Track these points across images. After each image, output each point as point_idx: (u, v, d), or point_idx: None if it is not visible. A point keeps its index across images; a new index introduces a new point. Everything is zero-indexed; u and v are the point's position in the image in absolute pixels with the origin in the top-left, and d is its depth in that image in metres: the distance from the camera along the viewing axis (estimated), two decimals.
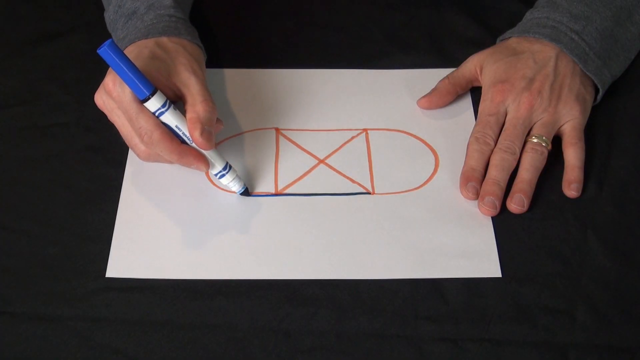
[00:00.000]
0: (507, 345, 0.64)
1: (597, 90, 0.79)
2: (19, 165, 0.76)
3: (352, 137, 0.79)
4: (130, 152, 0.76)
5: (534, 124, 0.76)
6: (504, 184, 0.73)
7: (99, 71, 0.83)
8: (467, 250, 0.70)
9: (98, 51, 0.64)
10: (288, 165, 0.76)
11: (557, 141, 0.77)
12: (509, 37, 0.82)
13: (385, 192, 0.74)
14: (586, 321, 0.65)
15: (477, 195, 0.73)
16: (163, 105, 0.67)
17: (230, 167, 0.72)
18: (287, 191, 0.74)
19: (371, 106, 0.81)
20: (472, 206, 0.73)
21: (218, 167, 0.71)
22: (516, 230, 0.71)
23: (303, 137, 0.79)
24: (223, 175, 0.72)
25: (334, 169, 0.76)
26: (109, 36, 0.87)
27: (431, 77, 0.82)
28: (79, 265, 0.68)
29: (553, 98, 0.76)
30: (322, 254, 0.69)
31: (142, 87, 0.66)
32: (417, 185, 0.75)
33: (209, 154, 0.70)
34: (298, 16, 0.91)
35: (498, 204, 0.72)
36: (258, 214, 0.72)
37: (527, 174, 0.73)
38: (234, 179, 0.72)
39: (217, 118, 0.71)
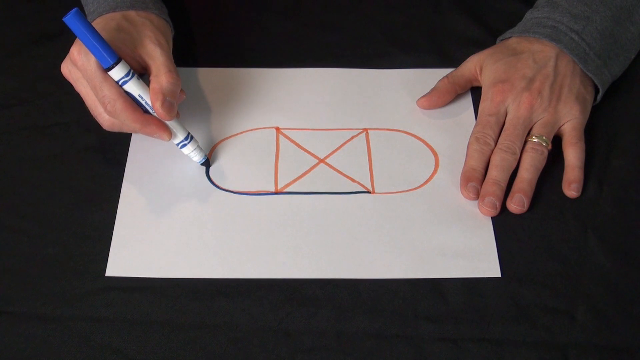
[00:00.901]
0: (507, 345, 0.64)
1: (597, 90, 0.79)
2: (19, 165, 0.76)
3: (352, 137, 0.79)
4: (130, 152, 0.77)
5: (534, 123, 0.76)
6: (504, 184, 0.73)
7: None
8: (466, 250, 0.70)
9: (64, 19, 0.65)
10: (288, 164, 0.76)
11: (557, 141, 0.77)
12: (509, 37, 0.82)
13: (385, 192, 0.74)
14: (586, 321, 0.65)
15: (477, 195, 0.73)
16: (127, 75, 0.69)
17: (192, 137, 0.74)
18: (287, 190, 0.74)
19: (371, 106, 0.81)
20: (472, 206, 0.73)
21: (180, 136, 0.73)
22: (516, 230, 0.71)
23: (303, 136, 0.79)
24: (185, 145, 0.74)
25: (334, 168, 0.76)
26: None
27: (431, 77, 0.82)
28: (79, 265, 0.68)
29: (553, 98, 0.76)
30: (321, 253, 0.70)
31: (106, 56, 0.67)
32: (417, 185, 0.75)
33: (171, 124, 0.72)
34: (299, 16, 0.91)
35: (498, 204, 0.72)
36: (258, 213, 0.72)
37: (527, 174, 0.73)
38: (195, 148, 0.74)
39: (180, 89, 0.72)
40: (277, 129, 0.79)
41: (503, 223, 0.72)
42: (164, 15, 0.78)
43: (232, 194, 0.74)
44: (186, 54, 0.85)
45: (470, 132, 0.77)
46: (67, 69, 0.71)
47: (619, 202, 0.73)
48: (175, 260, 0.69)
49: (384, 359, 0.63)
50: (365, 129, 0.79)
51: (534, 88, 0.76)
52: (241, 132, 0.79)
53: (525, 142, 0.75)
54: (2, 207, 0.72)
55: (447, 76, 0.81)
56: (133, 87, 0.70)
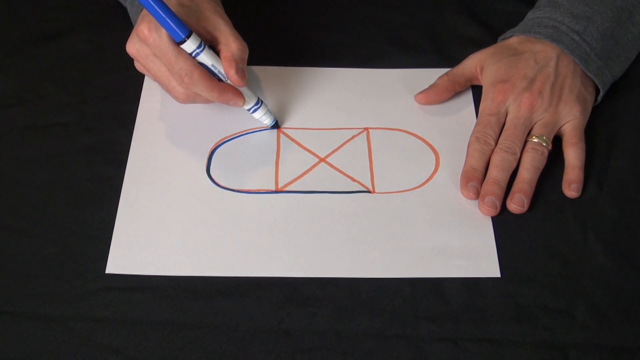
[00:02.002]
0: (507, 345, 0.64)
1: (597, 91, 0.79)
2: (19, 165, 0.76)
3: (353, 136, 0.79)
4: (130, 151, 0.77)
5: (535, 124, 0.76)
6: (504, 184, 0.73)
7: (99, 71, 0.84)
8: (466, 250, 0.70)
9: None
10: (289, 163, 0.76)
11: (557, 141, 0.77)
12: (510, 36, 0.82)
13: (386, 191, 0.74)
14: (586, 321, 0.65)
15: (477, 195, 0.73)
16: (199, 46, 0.70)
17: (262, 102, 0.77)
18: (287, 189, 0.74)
19: (372, 105, 0.81)
20: (472, 206, 0.73)
21: (251, 102, 0.76)
22: (516, 230, 0.71)
23: (304, 135, 0.79)
24: (256, 110, 0.77)
25: (335, 168, 0.76)
26: (108, 35, 0.88)
27: (431, 76, 0.82)
28: (79, 265, 0.68)
29: (554, 98, 0.76)
30: (321, 252, 0.70)
31: (177, 30, 0.69)
32: (418, 185, 0.75)
33: (243, 90, 0.74)
34: (299, 16, 0.91)
35: (498, 204, 0.72)
36: (258, 212, 0.72)
37: (528, 174, 0.73)
38: (265, 112, 0.77)
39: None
40: (278, 129, 0.79)
41: (503, 223, 0.72)
42: None
43: (232, 192, 0.74)
44: None
45: (471, 131, 0.77)
46: (135, 47, 0.72)
47: (619, 202, 0.73)
48: (175, 258, 0.69)
49: (384, 359, 0.63)
50: (366, 129, 0.80)
51: (535, 88, 0.76)
52: (242, 132, 0.79)
53: (526, 142, 0.75)
54: (2, 207, 0.72)
55: (446, 74, 0.82)
56: (206, 58, 0.71)
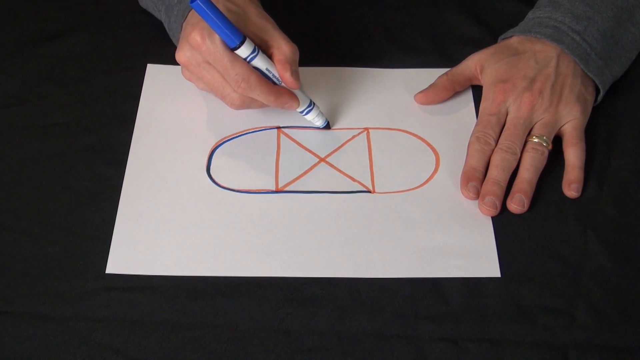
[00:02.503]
0: (507, 345, 0.64)
1: (597, 91, 0.79)
2: (19, 165, 0.76)
3: (353, 136, 0.79)
4: (131, 151, 0.77)
5: (535, 124, 0.76)
6: (504, 184, 0.73)
7: (99, 71, 0.84)
8: (466, 250, 0.70)
9: (191, 4, 0.67)
10: (289, 163, 0.76)
11: (557, 141, 0.77)
12: (511, 36, 0.82)
13: (386, 191, 0.74)
14: (586, 321, 0.65)
15: (477, 195, 0.73)
16: (253, 51, 0.70)
17: (314, 103, 0.77)
18: (287, 189, 0.74)
19: (372, 105, 0.81)
20: (472, 206, 0.73)
21: (304, 104, 0.76)
22: (516, 230, 0.71)
23: (304, 135, 0.79)
24: (309, 111, 0.77)
25: (335, 168, 0.76)
26: (108, 35, 0.88)
27: (431, 76, 0.82)
28: (79, 265, 0.68)
29: (554, 98, 0.76)
30: (321, 252, 0.70)
31: (232, 36, 0.69)
32: (418, 185, 0.75)
33: (296, 92, 0.74)
34: (299, 16, 0.90)
35: (498, 204, 0.72)
36: (258, 212, 0.72)
37: (528, 174, 0.73)
38: (317, 114, 0.77)
39: None
40: (279, 128, 0.79)
41: (503, 223, 0.72)
42: None
43: (232, 192, 0.74)
44: None
45: (471, 131, 0.77)
46: (186, 55, 0.72)
47: (619, 202, 0.73)
48: (175, 258, 0.69)
49: (384, 359, 0.63)
50: (366, 129, 0.80)
51: (535, 88, 0.76)
52: (242, 131, 0.79)
53: (526, 142, 0.75)
54: (2, 207, 0.72)
55: (446, 73, 0.82)
56: (260, 62, 0.71)
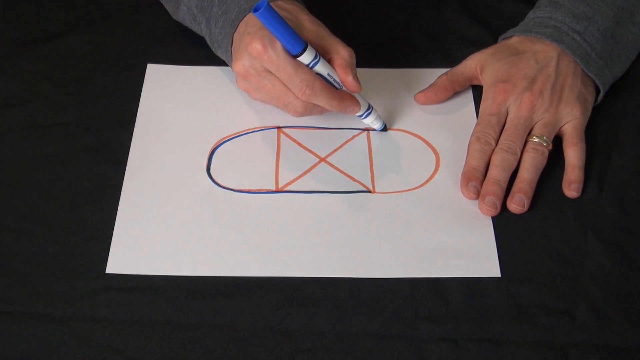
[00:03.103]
0: (507, 345, 0.64)
1: (598, 91, 0.79)
2: (19, 165, 0.76)
3: (353, 136, 0.79)
4: (131, 151, 0.76)
5: (535, 123, 0.76)
6: (504, 184, 0.73)
7: (99, 71, 0.84)
8: (466, 249, 0.70)
9: (255, 13, 0.66)
10: (289, 163, 0.76)
11: (557, 141, 0.77)
12: (511, 36, 0.82)
13: (386, 191, 0.74)
14: (586, 321, 0.65)
15: (478, 195, 0.73)
16: (315, 57, 0.70)
17: (372, 107, 0.77)
18: (287, 189, 0.74)
19: (372, 105, 0.81)
20: (472, 206, 0.73)
21: (364, 108, 0.76)
22: (516, 230, 0.71)
23: (304, 135, 0.79)
24: (368, 115, 0.77)
25: (335, 167, 0.76)
26: (108, 35, 0.88)
27: (431, 76, 0.82)
28: (79, 265, 0.68)
29: (554, 98, 0.76)
30: (321, 252, 0.70)
31: (295, 43, 0.68)
32: (418, 185, 0.75)
33: (355, 96, 0.74)
34: None
35: (499, 204, 0.72)
36: (258, 211, 0.72)
37: (528, 174, 0.73)
38: (376, 117, 0.77)
39: None
40: (279, 128, 0.79)
41: (503, 223, 0.72)
42: (300, 1, 0.79)
43: (232, 192, 0.74)
44: (188, 53, 0.85)
45: (471, 131, 0.77)
46: (244, 66, 0.71)
47: (619, 202, 0.73)
48: (175, 257, 0.69)
49: (384, 359, 0.63)
50: (367, 128, 0.79)
51: (536, 88, 0.76)
52: (243, 131, 0.79)
53: (526, 142, 0.75)
54: (2, 207, 0.72)
55: (446, 73, 0.82)
56: (322, 68, 0.71)
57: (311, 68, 0.70)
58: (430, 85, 0.81)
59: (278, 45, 0.68)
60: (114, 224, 0.71)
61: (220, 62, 0.83)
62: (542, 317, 0.65)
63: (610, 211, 0.73)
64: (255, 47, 0.69)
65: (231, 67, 0.75)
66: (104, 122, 0.79)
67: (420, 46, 0.87)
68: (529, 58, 0.78)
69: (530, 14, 0.83)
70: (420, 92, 0.81)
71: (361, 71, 0.84)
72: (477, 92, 0.82)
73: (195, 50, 0.85)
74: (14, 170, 0.75)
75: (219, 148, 0.77)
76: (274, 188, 0.74)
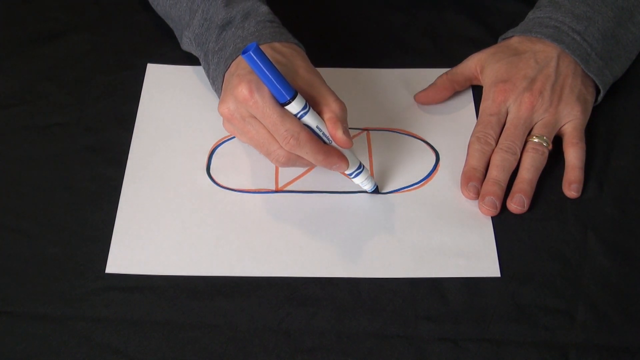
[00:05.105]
0: (507, 345, 0.64)
1: (598, 91, 0.79)
2: (19, 165, 0.76)
3: (353, 136, 0.79)
4: (130, 151, 0.76)
5: (535, 124, 0.76)
6: (504, 184, 0.73)
7: (99, 71, 0.84)
8: (466, 249, 0.70)
9: (242, 55, 0.62)
10: None
11: (557, 141, 0.77)
12: (511, 36, 0.82)
13: (386, 191, 0.74)
14: (586, 321, 0.65)
15: (478, 195, 0.73)
16: (304, 107, 0.66)
17: (363, 166, 0.72)
18: (287, 189, 0.74)
19: (372, 105, 0.81)
20: (472, 206, 0.73)
21: (354, 166, 0.71)
22: (516, 230, 0.71)
23: None
24: (358, 174, 0.72)
25: None
26: (108, 35, 0.88)
27: (431, 76, 0.82)
28: (79, 265, 0.68)
29: (554, 98, 0.76)
30: (321, 252, 0.70)
31: (283, 91, 0.64)
32: (418, 185, 0.75)
33: (346, 152, 0.70)
34: (298, 16, 0.90)
35: (498, 204, 0.72)
36: (258, 211, 0.72)
37: (528, 174, 0.73)
38: (367, 177, 0.72)
39: None
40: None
41: (503, 223, 0.72)
42: (299, 44, 0.75)
43: (232, 192, 0.74)
44: (188, 53, 0.85)
45: (471, 131, 0.77)
46: (229, 109, 0.68)
47: (619, 202, 0.73)
48: (175, 257, 0.69)
49: (384, 359, 0.63)
50: (366, 129, 0.79)
51: (536, 88, 0.76)
52: None
53: (526, 142, 0.75)
54: (2, 207, 0.72)
55: (446, 73, 0.82)
56: (310, 119, 0.67)
57: (299, 118, 0.66)
58: (430, 85, 0.81)
59: (265, 91, 0.65)
60: (114, 224, 0.71)
61: None
62: (542, 317, 0.65)
63: (610, 211, 0.73)
64: (242, 91, 0.65)
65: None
66: (104, 122, 0.79)
67: (420, 46, 0.87)
68: (529, 58, 0.78)
69: (530, 14, 0.83)
70: (420, 92, 0.81)
71: (361, 71, 0.84)
72: (477, 92, 0.82)
73: None
74: (14, 170, 0.75)
75: (219, 148, 0.78)
76: (273, 188, 0.74)
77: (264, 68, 0.63)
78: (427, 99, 0.81)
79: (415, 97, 0.81)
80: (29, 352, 0.63)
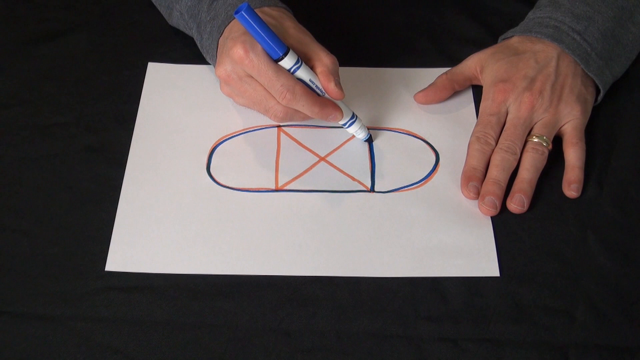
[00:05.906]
0: (507, 345, 0.64)
1: (598, 91, 0.79)
2: (19, 165, 0.76)
3: (353, 136, 0.79)
4: (130, 151, 0.77)
5: (535, 123, 0.76)
6: (504, 184, 0.73)
7: (99, 71, 0.84)
8: (466, 249, 0.70)
9: (235, 15, 0.66)
10: (289, 162, 0.76)
11: (557, 141, 0.77)
12: (511, 36, 0.82)
13: (386, 191, 0.74)
14: (586, 321, 0.65)
15: (478, 194, 0.73)
16: (296, 62, 0.70)
17: (356, 116, 0.76)
18: (287, 188, 0.74)
19: (372, 105, 0.81)
20: (471, 205, 0.73)
21: (347, 116, 0.75)
22: (516, 230, 0.71)
23: (304, 134, 0.79)
24: (352, 124, 0.76)
25: (335, 167, 0.76)
26: (108, 35, 0.88)
27: (431, 76, 0.82)
28: (79, 265, 0.68)
29: (554, 98, 0.76)
30: (321, 251, 0.70)
31: (276, 48, 0.68)
32: (418, 184, 0.75)
33: (339, 103, 0.74)
34: (298, 16, 0.90)
35: (498, 204, 0.72)
36: (258, 210, 0.72)
37: (528, 174, 0.73)
38: (360, 126, 0.76)
39: None
40: (279, 127, 0.79)
41: (503, 223, 0.72)
42: (287, 8, 0.78)
43: (232, 191, 0.74)
44: (188, 52, 0.85)
45: (471, 131, 0.77)
46: (226, 70, 0.71)
47: (619, 202, 0.73)
48: (175, 256, 0.69)
49: (384, 359, 0.63)
50: (366, 128, 0.80)
51: (535, 88, 0.76)
52: (242, 130, 0.79)
53: (526, 142, 0.75)
54: (2, 207, 0.72)
55: (446, 73, 0.82)
56: (303, 73, 0.70)
57: (292, 73, 0.70)
58: (430, 85, 0.81)
59: (259, 49, 0.68)
60: (114, 222, 0.71)
61: None
62: (542, 317, 0.65)
63: (610, 211, 0.73)
64: (237, 51, 0.69)
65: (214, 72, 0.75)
66: (104, 122, 0.79)
67: (420, 46, 0.87)
68: (528, 58, 0.78)
69: (530, 14, 0.83)
70: (420, 91, 0.81)
71: (361, 71, 0.84)
72: (477, 92, 0.82)
73: (195, 49, 0.84)
74: (14, 170, 0.75)
75: (219, 146, 0.78)
76: (273, 187, 0.74)
77: (255, 26, 0.67)
78: (427, 98, 0.81)
79: (414, 97, 0.81)
80: (29, 352, 0.63)
